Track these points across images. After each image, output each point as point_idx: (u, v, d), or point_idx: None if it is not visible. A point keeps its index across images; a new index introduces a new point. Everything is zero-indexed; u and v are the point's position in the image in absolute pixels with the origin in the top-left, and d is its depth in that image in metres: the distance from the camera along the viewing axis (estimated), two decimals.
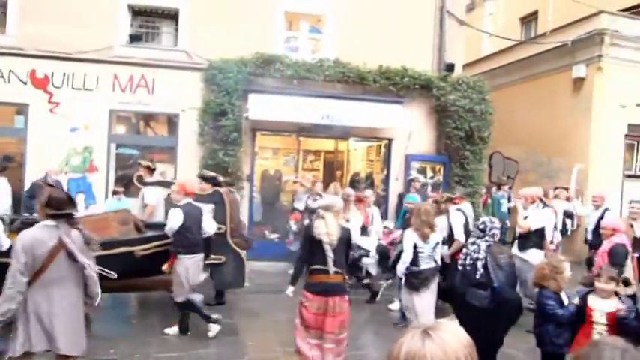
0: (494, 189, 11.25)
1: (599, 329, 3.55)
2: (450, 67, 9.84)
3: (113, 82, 9.00)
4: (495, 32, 14.89)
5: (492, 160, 13.72)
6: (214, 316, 5.47)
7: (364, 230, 7.12)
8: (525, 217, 6.51)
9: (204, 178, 6.56)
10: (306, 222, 7.87)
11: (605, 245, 5.04)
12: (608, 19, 11.28)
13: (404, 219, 7.00)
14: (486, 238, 4.20)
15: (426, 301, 5.07)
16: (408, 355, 1.16)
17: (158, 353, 5.07)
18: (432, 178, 9.81)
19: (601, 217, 7.57)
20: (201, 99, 9.10)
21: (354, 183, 10.61)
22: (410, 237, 5.07)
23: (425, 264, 5.03)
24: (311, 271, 4.23)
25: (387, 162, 10.02)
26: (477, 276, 4.15)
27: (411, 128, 9.52)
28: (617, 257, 4.79)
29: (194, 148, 9.09)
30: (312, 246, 4.23)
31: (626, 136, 11.56)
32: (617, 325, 3.49)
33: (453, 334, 1.21)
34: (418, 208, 5.28)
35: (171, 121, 9.65)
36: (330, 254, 4.13)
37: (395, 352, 1.19)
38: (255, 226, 9.85)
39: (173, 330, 5.49)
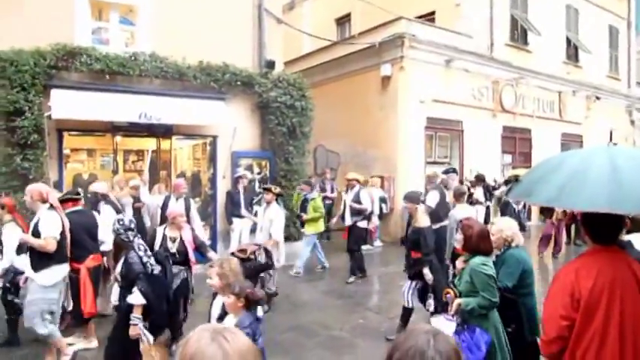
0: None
1: None
2: (271, 65, 10.05)
3: None
4: (313, 32, 15.67)
5: (317, 153, 14.51)
6: None
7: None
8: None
9: None
10: None
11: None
12: (406, 24, 12.70)
13: None
14: (137, 233, 4.28)
15: None
16: (197, 354, 1.20)
17: None
18: (259, 173, 9.95)
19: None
20: None
21: None
22: None
23: None
24: None
25: (213, 160, 9.86)
26: (156, 271, 4.22)
27: (235, 125, 9.50)
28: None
29: None
30: None
31: (425, 127, 13.20)
32: None
33: (240, 336, 1.28)
34: None
35: None
36: None
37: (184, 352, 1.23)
38: None
39: None
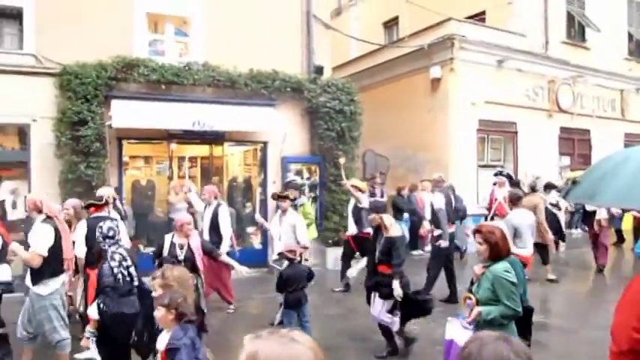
0: None
1: None
2: (319, 70, 10.13)
3: None
4: (361, 36, 15.65)
5: (365, 157, 14.42)
6: None
7: None
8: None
9: None
10: None
11: None
12: (456, 25, 12.45)
13: None
14: (117, 241, 4.10)
15: None
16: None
17: None
18: (308, 179, 10.02)
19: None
20: (55, 107, 8.32)
21: (232, 189, 10.52)
22: None
23: None
24: None
25: (263, 165, 10.03)
26: (136, 282, 4.01)
27: (284, 130, 9.62)
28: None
29: (51, 162, 8.28)
30: None
31: (477, 130, 12.87)
32: None
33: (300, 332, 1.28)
34: None
35: (22, 133, 8.66)
36: None
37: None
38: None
39: None
